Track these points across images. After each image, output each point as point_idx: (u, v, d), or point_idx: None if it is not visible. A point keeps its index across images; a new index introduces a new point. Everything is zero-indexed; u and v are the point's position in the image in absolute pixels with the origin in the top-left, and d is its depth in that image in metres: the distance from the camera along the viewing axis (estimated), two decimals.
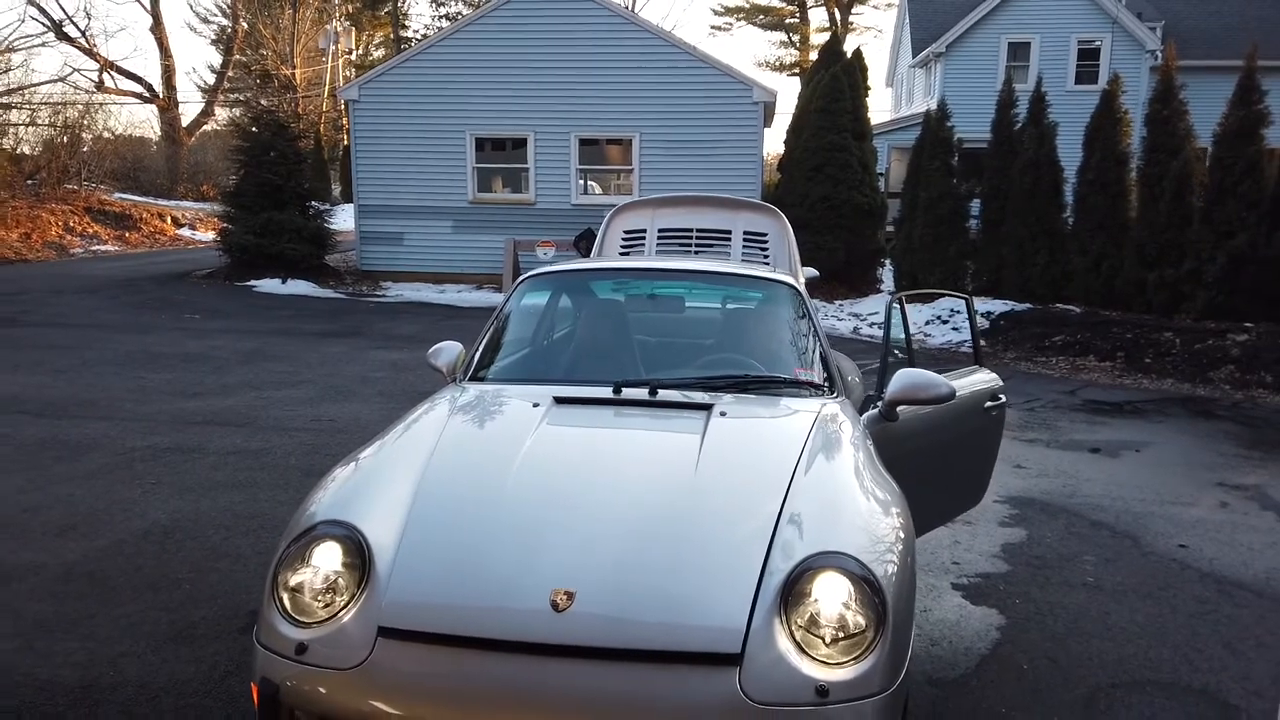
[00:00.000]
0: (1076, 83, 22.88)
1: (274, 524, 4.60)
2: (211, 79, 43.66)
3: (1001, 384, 4.13)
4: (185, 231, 24.36)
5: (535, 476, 2.65)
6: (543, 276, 3.98)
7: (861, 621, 2.12)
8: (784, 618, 2.13)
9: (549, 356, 3.76)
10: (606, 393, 3.15)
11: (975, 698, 3.13)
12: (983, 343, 10.03)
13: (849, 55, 16.14)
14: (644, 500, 2.51)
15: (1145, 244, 11.35)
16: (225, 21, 45.40)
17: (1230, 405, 8.48)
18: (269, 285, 14.56)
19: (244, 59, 40.18)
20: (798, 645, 2.09)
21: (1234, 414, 8.12)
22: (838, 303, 14.26)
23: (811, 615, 2.14)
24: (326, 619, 2.22)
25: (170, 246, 22.49)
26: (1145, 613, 3.86)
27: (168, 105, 37.40)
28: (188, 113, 39.43)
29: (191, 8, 53.79)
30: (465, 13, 44.24)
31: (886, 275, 15.74)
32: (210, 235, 23.32)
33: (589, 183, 16.44)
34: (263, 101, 26.67)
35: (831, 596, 2.15)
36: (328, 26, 39.43)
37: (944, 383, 3.33)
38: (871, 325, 12.73)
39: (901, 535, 2.45)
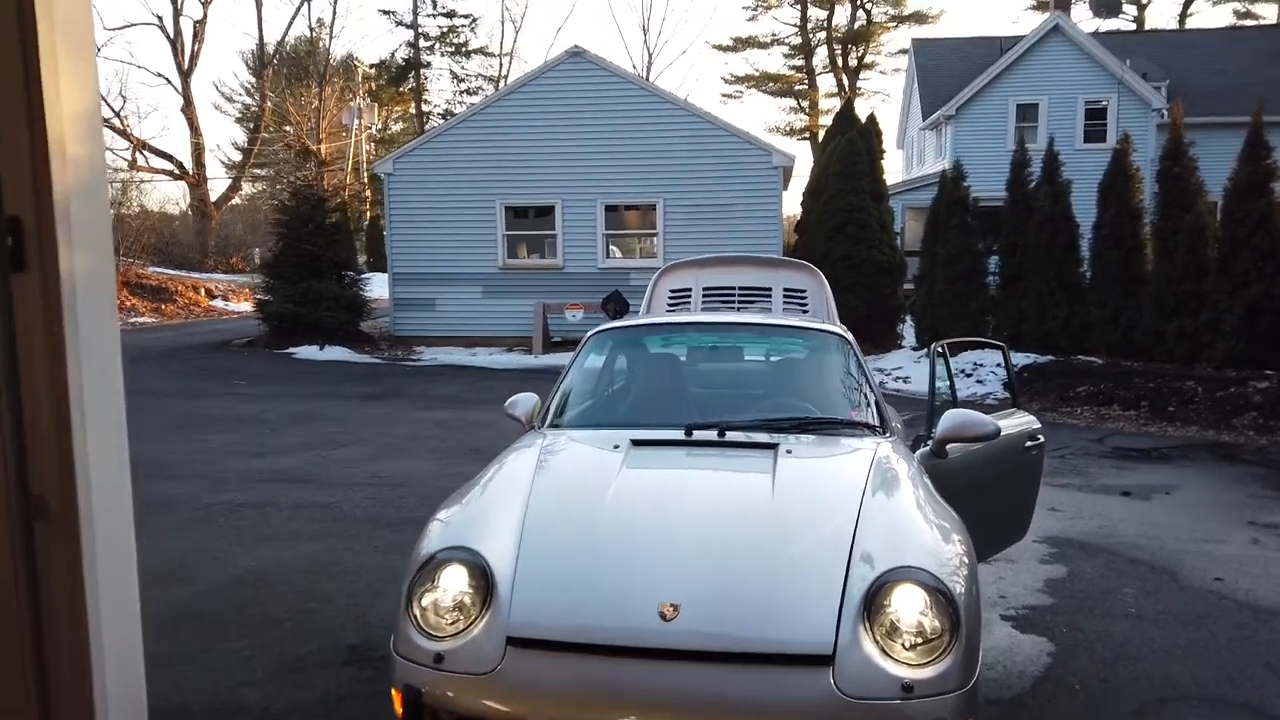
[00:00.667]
0: (1085, 141, 23.47)
1: (354, 570, 4.89)
2: (234, 155, 45.22)
3: (1039, 425, 4.42)
4: (218, 303, 25.03)
5: (627, 507, 2.96)
6: (611, 332, 4.32)
7: (938, 627, 2.40)
8: (867, 625, 2.40)
9: (620, 404, 4.07)
10: (679, 435, 3.45)
11: (1033, 714, 3.36)
12: (1019, 400, 10.31)
13: (864, 120, 16.74)
14: (729, 526, 2.82)
15: (1163, 296, 11.65)
16: (249, 100, 47.12)
17: (1255, 450, 8.68)
18: (307, 352, 15.03)
19: (268, 135, 41.61)
20: (881, 649, 2.37)
21: (1259, 458, 8.32)
22: None
23: (892, 622, 2.41)
24: (457, 633, 2.51)
25: (205, 318, 23.11)
26: (1187, 638, 4.08)
27: (197, 182, 38.67)
28: (215, 188, 40.73)
29: (217, 88, 55.68)
30: (485, 87, 45.70)
31: (907, 331, 16.06)
32: (243, 306, 23.98)
33: (612, 247, 16.96)
34: (294, 177, 27.51)
35: (910, 606, 2.43)
36: (351, 104, 40.75)
37: (990, 422, 3.63)
38: (896, 379, 13.01)
39: (965, 555, 2.73)
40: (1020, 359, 12.62)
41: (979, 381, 12.18)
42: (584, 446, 3.57)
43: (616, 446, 3.34)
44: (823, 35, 45.91)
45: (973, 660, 2.44)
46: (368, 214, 37.80)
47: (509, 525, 2.82)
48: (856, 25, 45.12)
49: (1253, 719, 3.34)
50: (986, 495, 4.01)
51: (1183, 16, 40.19)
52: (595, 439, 3.59)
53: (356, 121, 39.70)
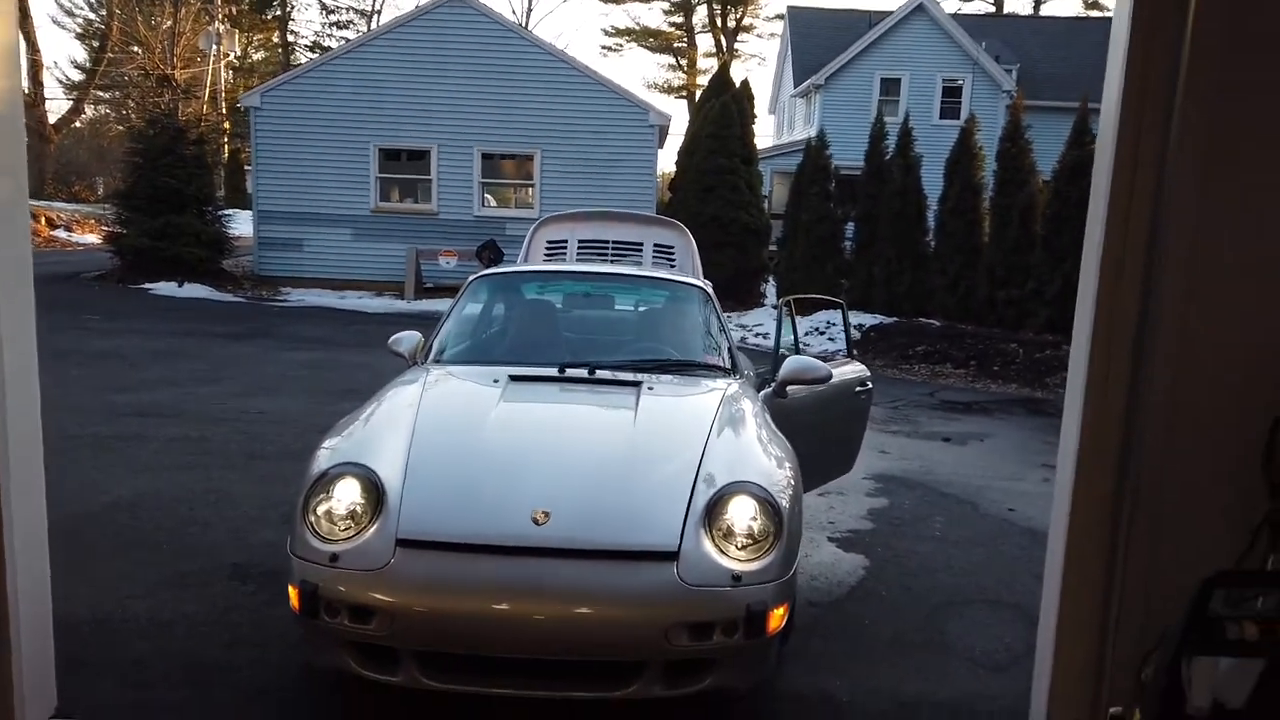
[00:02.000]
0: (941, 118, 24.81)
1: (234, 499, 5.07)
2: (74, 74, 42.04)
3: (869, 373, 5.02)
4: (61, 233, 23.57)
5: (505, 431, 3.34)
6: (494, 277, 4.64)
7: (765, 529, 2.89)
8: (708, 529, 2.87)
9: (500, 343, 4.41)
10: (553, 372, 3.84)
11: (846, 614, 3.96)
12: (855, 351, 11.16)
13: (738, 85, 17.29)
14: (594, 449, 3.24)
15: (995, 266, 12.77)
16: (91, 15, 43.73)
17: (1061, 405, 9.78)
18: (165, 288, 14.52)
19: (114, 55, 38.85)
20: (718, 548, 2.84)
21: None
22: (725, 315, 15.24)
23: (728, 526, 2.89)
24: (351, 536, 2.84)
25: (47, 248, 21.74)
26: (978, 556, 4.80)
27: (34, 101, 35.82)
28: (54, 109, 37.88)
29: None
30: (356, 21, 43.95)
31: (770, 290, 16.87)
32: (89, 238, 22.70)
33: (488, 196, 17.00)
34: (149, 104, 25.95)
35: (742, 513, 2.91)
36: (209, 28, 38.46)
37: (824, 367, 4.17)
38: (757, 335, 13.75)
39: (792, 477, 3.24)
40: (868, 319, 13.56)
41: (830, 339, 13.03)
42: (465, 379, 3.91)
43: (496, 381, 3.69)
44: None
45: (791, 558, 2.95)
46: (226, 147, 35.99)
47: (397, 445, 3.14)
48: None
49: (1017, 615, 4.04)
50: (820, 432, 4.57)
51: (1037, 2, 42.64)
52: (476, 374, 3.93)
53: (215, 48, 37.53)
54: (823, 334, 13.28)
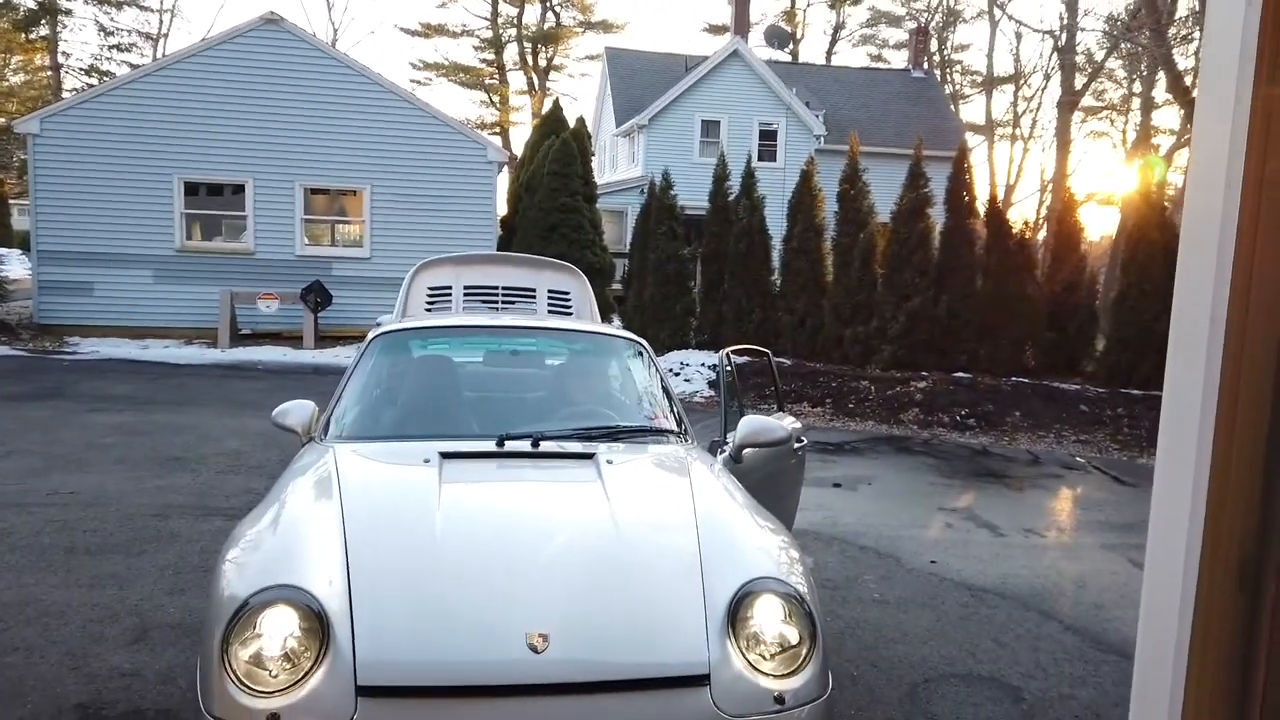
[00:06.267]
0: (759, 159, 25.61)
1: (58, 610, 4.07)
2: None
3: (802, 426, 4.71)
4: None
5: (463, 527, 2.73)
6: (398, 333, 3.97)
7: (798, 634, 2.44)
8: (733, 639, 2.39)
9: (416, 413, 3.73)
10: (490, 446, 3.25)
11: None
12: (713, 394, 10.99)
13: (573, 123, 17.01)
14: (578, 543, 2.69)
15: (841, 305, 13.05)
16: None
17: (922, 442, 9.99)
18: None
19: None
20: (747, 662, 2.37)
21: (927, 449, 9.58)
22: None
23: (755, 634, 2.42)
24: (292, 685, 2.16)
25: None
26: (926, 620, 4.56)
27: None
28: None
29: None
30: (140, 44, 40.61)
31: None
32: None
33: (311, 234, 15.79)
34: None
35: (771, 616, 2.45)
36: None
37: (782, 427, 3.80)
38: None
39: (798, 554, 2.82)
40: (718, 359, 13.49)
41: (686, 380, 12.86)
42: (388, 460, 3.25)
43: (427, 460, 3.06)
44: (513, 32, 46.16)
45: (827, 668, 2.52)
46: None
47: (329, 555, 2.47)
48: (546, 26, 45.90)
49: (998, 690, 3.80)
50: (769, 494, 4.20)
51: (828, 54, 45.42)
52: (397, 452, 3.29)
53: None
54: (678, 375, 13.08)
